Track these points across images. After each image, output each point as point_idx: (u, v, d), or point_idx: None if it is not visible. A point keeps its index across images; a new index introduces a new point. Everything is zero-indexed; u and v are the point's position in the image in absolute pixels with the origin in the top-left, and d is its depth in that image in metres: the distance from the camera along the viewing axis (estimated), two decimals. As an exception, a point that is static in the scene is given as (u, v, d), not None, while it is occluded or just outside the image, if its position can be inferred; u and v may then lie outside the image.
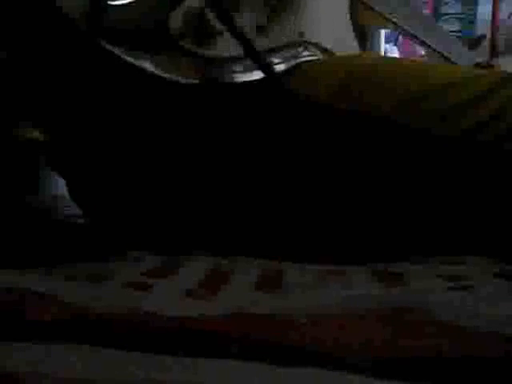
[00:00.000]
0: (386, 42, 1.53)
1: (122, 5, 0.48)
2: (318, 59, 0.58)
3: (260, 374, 0.27)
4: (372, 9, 0.66)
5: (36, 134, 0.68)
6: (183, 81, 0.51)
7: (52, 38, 0.50)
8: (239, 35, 0.49)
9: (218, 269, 0.45)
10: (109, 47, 0.48)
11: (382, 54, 1.42)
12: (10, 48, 0.51)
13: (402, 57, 1.61)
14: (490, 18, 1.67)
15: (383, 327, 0.31)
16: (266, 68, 0.50)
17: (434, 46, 0.75)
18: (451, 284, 0.39)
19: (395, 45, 1.65)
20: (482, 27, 1.67)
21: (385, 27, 1.04)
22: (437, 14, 1.76)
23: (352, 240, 0.51)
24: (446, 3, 1.77)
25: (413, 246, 0.49)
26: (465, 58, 0.81)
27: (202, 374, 0.27)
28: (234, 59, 0.52)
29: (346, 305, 0.34)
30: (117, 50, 0.49)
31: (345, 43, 0.63)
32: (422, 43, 0.74)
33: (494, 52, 1.53)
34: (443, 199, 0.50)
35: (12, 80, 0.55)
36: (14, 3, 0.49)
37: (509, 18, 1.62)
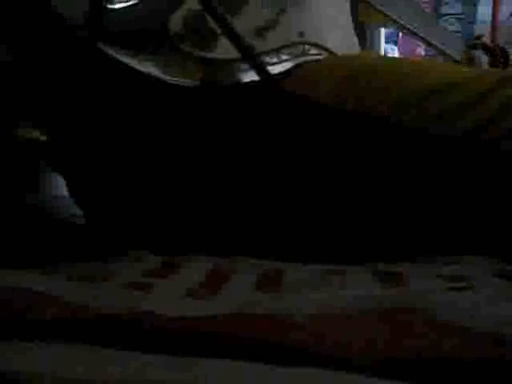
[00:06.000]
0: (386, 42, 1.54)
1: (122, 8, 0.48)
2: (318, 59, 0.58)
3: (260, 373, 0.27)
4: (373, 7, 0.66)
5: (36, 134, 0.68)
6: (183, 83, 0.51)
7: (52, 41, 0.50)
8: (234, 37, 0.48)
9: (218, 269, 0.45)
10: (109, 50, 0.48)
11: (382, 54, 1.42)
12: (15, 51, 0.51)
13: (402, 57, 1.61)
14: (490, 18, 1.67)
15: (383, 327, 0.31)
16: (261, 70, 0.50)
17: (435, 43, 0.75)
18: (451, 284, 0.39)
19: (395, 45, 1.65)
20: (482, 27, 1.67)
21: (386, 26, 1.04)
22: (437, 14, 1.76)
23: (352, 240, 0.51)
24: (446, 3, 1.77)
25: (413, 246, 0.49)
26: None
27: (202, 374, 0.27)
28: (234, 61, 0.52)
29: (346, 305, 0.34)
30: (117, 53, 0.49)
31: (346, 43, 0.63)
32: (424, 41, 0.74)
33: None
34: (443, 199, 0.50)
35: (13, 81, 0.55)
36: (15, 8, 0.49)
37: (508, 18, 1.62)
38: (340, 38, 0.61)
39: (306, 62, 0.56)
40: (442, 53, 0.76)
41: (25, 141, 0.71)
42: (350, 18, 0.64)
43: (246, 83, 0.53)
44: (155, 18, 0.50)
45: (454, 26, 1.74)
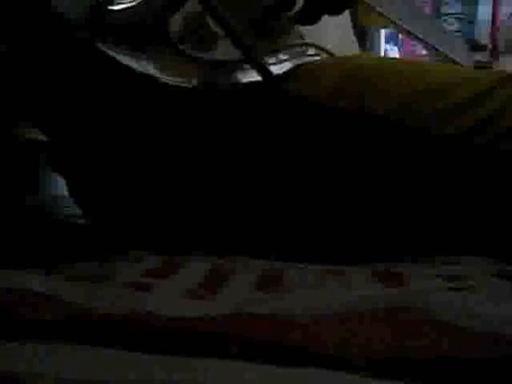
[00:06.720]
0: (386, 42, 1.54)
1: (122, 9, 0.48)
2: (318, 60, 0.58)
3: (260, 373, 0.27)
4: (373, 9, 0.66)
5: (36, 134, 0.68)
6: (183, 84, 0.51)
7: (53, 41, 0.50)
8: (235, 38, 0.49)
9: (217, 269, 0.45)
10: (109, 51, 0.48)
11: (382, 54, 1.42)
12: (10, 44, 0.51)
13: (402, 57, 1.61)
14: (490, 18, 1.67)
15: (383, 327, 0.31)
16: (263, 71, 0.50)
17: (435, 45, 0.75)
18: (451, 284, 0.39)
19: (395, 45, 1.65)
20: (482, 27, 1.67)
21: (385, 27, 1.03)
22: (437, 14, 1.75)
23: (352, 240, 0.51)
24: (446, 3, 1.77)
25: (413, 245, 0.49)
26: (466, 58, 0.81)
27: (202, 374, 0.27)
28: (235, 62, 0.52)
29: (346, 305, 0.34)
30: (117, 54, 0.49)
31: (345, 44, 0.63)
32: (424, 43, 0.74)
33: (494, 52, 1.53)
34: (443, 199, 0.50)
35: (13, 81, 0.55)
36: (15, 8, 0.49)
37: (509, 18, 1.62)
38: (339, 39, 0.61)
39: (305, 63, 0.56)
40: (442, 54, 0.75)
41: (25, 141, 0.71)
42: (349, 20, 0.64)
43: (246, 84, 0.53)
44: (155, 20, 0.50)
45: (453, 26, 1.74)
